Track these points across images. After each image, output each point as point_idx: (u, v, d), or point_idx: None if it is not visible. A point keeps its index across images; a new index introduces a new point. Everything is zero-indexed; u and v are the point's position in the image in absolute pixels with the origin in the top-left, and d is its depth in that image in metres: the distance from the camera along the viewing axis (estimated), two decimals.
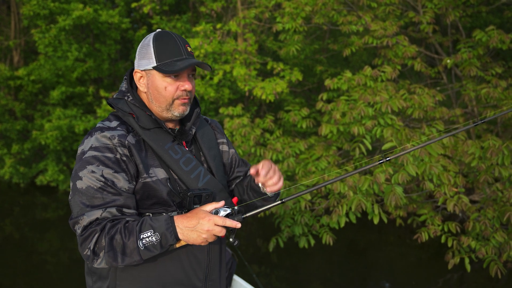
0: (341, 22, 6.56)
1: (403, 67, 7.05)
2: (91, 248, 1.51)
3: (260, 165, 1.68)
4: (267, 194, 1.76)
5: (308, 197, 5.05)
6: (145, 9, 8.25)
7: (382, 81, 5.69)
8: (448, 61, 6.20)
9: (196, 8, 10.64)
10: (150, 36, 1.72)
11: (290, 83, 7.28)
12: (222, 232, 1.52)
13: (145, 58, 1.70)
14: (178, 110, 1.72)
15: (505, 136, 6.75)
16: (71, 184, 1.62)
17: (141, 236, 1.50)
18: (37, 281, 5.77)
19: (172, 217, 1.55)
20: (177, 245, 1.59)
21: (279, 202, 1.65)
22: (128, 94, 1.76)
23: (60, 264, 6.44)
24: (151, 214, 1.64)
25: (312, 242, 4.98)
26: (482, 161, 4.58)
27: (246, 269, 4.64)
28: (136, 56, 1.76)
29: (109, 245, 1.50)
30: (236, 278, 3.36)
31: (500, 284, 5.52)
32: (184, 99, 1.72)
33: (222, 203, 1.60)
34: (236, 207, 1.61)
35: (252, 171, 1.68)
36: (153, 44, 1.68)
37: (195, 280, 1.75)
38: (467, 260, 4.36)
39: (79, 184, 1.58)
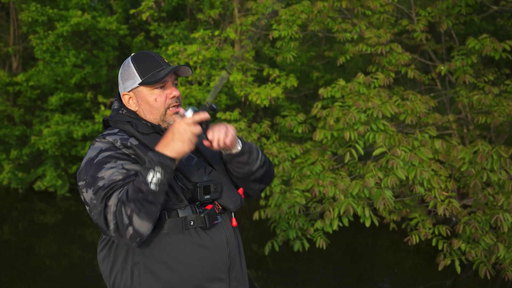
0: (336, 30, 6.71)
1: (398, 74, 7.20)
2: (127, 223, 1.52)
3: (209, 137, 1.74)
4: (231, 151, 1.82)
5: (303, 201, 5.18)
6: (144, 16, 8.39)
7: (374, 87, 5.83)
8: (442, 68, 6.34)
9: (194, 15, 10.80)
10: (128, 60, 1.85)
11: (286, 89, 7.43)
12: (197, 128, 1.60)
13: (129, 79, 1.82)
14: (172, 118, 1.82)
15: (498, 142, 6.90)
16: (90, 191, 1.61)
17: (148, 180, 1.53)
18: (36, 285, 5.85)
19: (154, 149, 1.61)
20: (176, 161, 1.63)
21: (228, 75, 1.75)
22: (122, 108, 1.86)
23: (59, 268, 6.53)
24: (166, 211, 1.68)
25: (307, 246, 5.10)
26: (472, 166, 4.72)
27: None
28: (120, 82, 1.88)
29: (135, 207, 1.52)
30: None
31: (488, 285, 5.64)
32: (175, 106, 1.82)
33: (182, 108, 1.71)
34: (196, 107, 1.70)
35: (206, 143, 1.75)
36: (133, 64, 1.81)
37: (219, 272, 1.75)
38: (457, 262, 4.49)
39: (101, 182, 1.60)
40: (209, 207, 1.76)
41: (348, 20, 6.92)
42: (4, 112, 10.57)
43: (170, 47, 7.64)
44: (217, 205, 1.80)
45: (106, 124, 1.89)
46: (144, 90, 1.80)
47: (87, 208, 1.64)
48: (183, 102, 7.52)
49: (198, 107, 1.70)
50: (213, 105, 1.72)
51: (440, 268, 4.55)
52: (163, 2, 9.20)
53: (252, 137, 6.20)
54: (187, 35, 9.74)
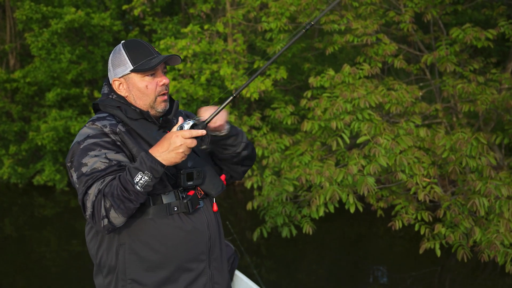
0: (324, 22, 6.83)
1: (387, 64, 7.31)
2: (103, 214, 1.61)
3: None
4: (221, 134, 1.87)
5: (291, 189, 5.33)
6: (136, 12, 8.51)
7: (360, 78, 5.96)
8: (429, 58, 6.46)
9: (187, 10, 10.92)
10: (119, 47, 1.89)
11: (276, 81, 7.55)
12: (193, 143, 1.65)
13: (120, 66, 1.86)
14: (161, 106, 1.87)
15: (485, 130, 7.02)
16: (75, 175, 1.71)
17: (135, 181, 1.60)
18: (37, 276, 5.99)
19: (148, 152, 1.66)
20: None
21: (231, 97, 1.76)
22: (112, 93, 1.90)
23: (58, 260, 6.68)
24: (150, 196, 1.75)
25: (294, 232, 5.26)
26: (452, 152, 4.86)
27: (244, 262, 4.87)
28: (110, 68, 1.91)
29: (115, 203, 1.60)
30: (238, 273, 3.41)
31: (479, 271, 5.79)
32: (164, 94, 1.87)
33: (181, 119, 1.72)
34: (198, 118, 1.75)
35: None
36: (125, 51, 1.85)
37: (199, 253, 1.84)
38: (437, 246, 4.65)
39: (84, 169, 1.68)
40: (191, 193, 1.84)
41: (336, 12, 7.03)
42: (3, 109, 10.69)
43: (161, 42, 7.76)
44: (199, 191, 1.89)
45: (96, 107, 1.95)
46: (135, 77, 1.85)
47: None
48: (175, 96, 7.67)
49: (195, 119, 1.73)
50: (205, 123, 1.75)
51: (421, 252, 4.70)
52: None
53: (243, 129, 6.34)
54: (180, 29, 9.86)
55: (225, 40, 8.89)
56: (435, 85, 7.21)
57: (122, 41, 1.92)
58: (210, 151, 2.02)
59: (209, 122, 1.73)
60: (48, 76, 10.20)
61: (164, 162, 1.64)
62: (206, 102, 8.83)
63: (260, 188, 5.95)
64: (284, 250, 6.61)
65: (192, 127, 1.69)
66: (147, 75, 1.85)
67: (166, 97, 1.90)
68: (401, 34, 7.59)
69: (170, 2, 11.10)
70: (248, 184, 5.78)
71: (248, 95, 6.82)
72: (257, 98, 6.94)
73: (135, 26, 11.76)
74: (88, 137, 1.75)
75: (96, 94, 9.52)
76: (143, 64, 1.82)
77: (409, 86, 6.01)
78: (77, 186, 1.70)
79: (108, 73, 1.95)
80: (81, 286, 5.67)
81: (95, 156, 1.69)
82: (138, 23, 11.43)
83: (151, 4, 9.59)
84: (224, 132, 1.87)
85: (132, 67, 1.84)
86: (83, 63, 10.41)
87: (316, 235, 5.95)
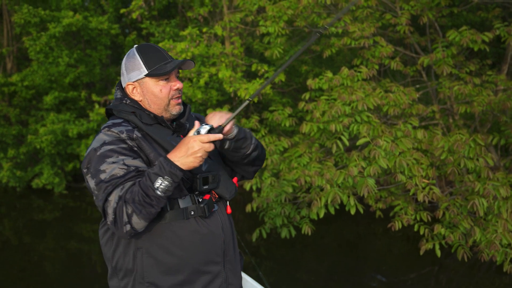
0: (321, 25, 6.86)
1: (384, 67, 7.35)
2: (126, 221, 1.62)
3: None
4: (229, 138, 1.87)
5: (290, 190, 5.35)
6: (134, 15, 8.51)
7: (358, 80, 5.98)
8: (425, 60, 6.50)
9: (184, 13, 10.93)
10: (133, 51, 1.87)
11: (274, 84, 7.57)
12: (211, 147, 1.65)
13: (134, 70, 1.85)
14: (175, 109, 1.87)
15: (482, 131, 7.07)
16: (92, 181, 1.70)
17: (156, 186, 1.60)
18: (35, 278, 5.98)
19: (167, 157, 1.66)
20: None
21: (247, 101, 1.78)
22: (126, 98, 1.89)
23: (57, 262, 6.68)
24: (167, 202, 1.76)
25: (293, 233, 5.29)
26: (451, 154, 4.90)
27: (245, 263, 4.88)
28: (123, 71, 1.90)
29: (136, 209, 1.61)
30: (243, 275, 3.38)
31: (474, 269, 5.82)
32: (178, 98, 1.88)
33: (198, 123, 1.73)
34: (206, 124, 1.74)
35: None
36: (139, 56, 1.84)
37: (215, 255, 1.85)
38: (437, 246, 4.68)
39: (103, 176, 1.68)
40: (207, 197, 1.85)
41: (333, 15, 7.07)
42: (0, 112, 10.67)
43: (160, 45, 7.77)
44: (214, 194, 1.90)
45: (109, 112, 1.95)
46: (150, 81, 1.84)
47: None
48: None
49: (214, 127, 1.74)
50: (221, 126, 1.76)
51: (421, 253, 4.73)
52: (153, 1, 9.32)
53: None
54: (178, 32, 9.87)
55: (223, 43, 8.90)
56: (432, 87, 7.24)
57: (135, 45, 1.91)
58: (221, 153, 2.03)
59: (225, 126, 1.74)
60: (46, 80, 10.19)
61: (182, 167, 1.65)
62: (204, 105, 8.85)
63: (259, 190, 5.97)
64: (283, 251, 6.63)
65: (209, 132, 1.70)
66: (161, 80, 1.84)
67: (180, 100, 1.90)
68: (398, 36, 7.64)
69: (167, 5, 11.11)
70: (247, 186, 5.80)
71: (247, 97, 6.83)
72: (256, 101, 6.97)
73: (132, 29, 11.76)
74: (105, 143, 1.74)
75: (94, 97, 9.51)
76: (158, 69, 1.82)
77: (406, 88, 6.05)
78: (96, 192, 1.70)
79: (121, 77, 1.94)
80: (79, 285, 5.67)
81: (113, 162, 1.69)
82: (135, 26, 11.45)
83: (148, 7, 9.59)
84: (232, 135, 1.87)
85: (147, 72, 1.83)
86: (81, 67, 10.41)
87: (315, 236, 5.98)
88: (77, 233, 8.11)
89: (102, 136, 1.77)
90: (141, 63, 1.84)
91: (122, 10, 8.86)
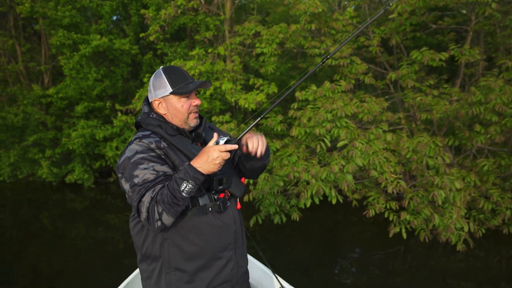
0: (307, 47, 6.88)
1: (359, 81, 7.38)
2: (157, 218, 1.63)
3: (246, 143, 1.83)
4: (254, 156, 1.89)
5: (281, 184, 5.36)
6: (151, 38, 8.50)
7: (338, 92, 6.01)
8: (392, 75, 6.54)
9: (192, 36, 10.92)
10: (160, 72, 1.87)
11: (268, 95, 7.58)
12: (228, 155, 1.68)
13: (161, 88, 1.85)
14: (193, 122, 1.89)
15: (439, 134, 7.11)
16: (127, 184, 1.70)
17: (182, 189, 1.63)
18: (68, 259, 5.97)
19: (190, 164, 1.68)
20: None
21: (260, 118, 1.83)
22: (152, 113, 1.89)
23: (86, 245, 6.65)
24: (189, 201, 1.77)
25: (284, 219, 5.30)
26: (414, 153, 4.93)
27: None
28: (151, 89, 1.89)
29: (166, 208, 1.63)
30: (248, 256, 3.50)
31: (433, 249, 5.84)
32: (196, 112, 1.89)
33: (216, 135, 1.75)
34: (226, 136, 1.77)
35: (244, 149, 1.85)
36: (165, 76, 1.84)
37: (228, 243, 1.88)
38: (403, 230, 4.70)
39: (136, 180, 1.69)
40: (222, 195, 1.87)
41: (317, 38, 7.09)
42: (39, 120, 10.64)
43: (172, 63, 7.76)
44: (227, 193, 1.92)
45: (138, 125, 1.94)
46: (173, 98, 1.84)
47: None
48: None
49: (230, 138, 1.77)
50: (237, 139, 1.81)
51: (390, 235, 4.75)
52: (167, 26, 9.31)
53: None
54: (187, 52, 9.86)
55: (225, 61, 8.90)
56: (398, 97, 7.28)
57: (162, 67, 1.91)
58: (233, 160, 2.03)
59: (240, 138, 1.78)
60: (77, 92, 10.17)
61: (203, 172, 1.67)
62: (209, 113, 8.85)
63: (254, 184, 5.97)
64: (275, 235, 6.63)
65: (226, 143, 1.72)
66: (183, 97, 1.85)
67: (197, 114, 1.91)
68: (370, 55, 7.68)
69: (178, 29, 11.08)
70: (245, 181, 5.80)
71: (246, 105, 6.84)
72: (254, 108, 6.97)
73: (148, 50, 11.72)
74: (137, 152, 1.75)
75: (117, 106, 9.49)
76: (181, 88, 1.83)
77: (377, 99, 6.08)
78: (130, 194, 1.70)
79: (149, 94, 1.93)
80: (105, 266, 5.65)
81: (145, 168, 1.70)
82: (151, 47, 11.41)
83: (163, 31, 9.58)
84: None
85: (172, 90, 1.84)
86: (106, 81, 10.39)
87: (302, 222, 6.00)
88: (103, 221, 8.07)
89: (135, 146, 1.77)
90: (167, 82, 1.84)
91: (142, 34, 8.84)
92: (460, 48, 6.21)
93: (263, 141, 1.85)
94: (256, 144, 1.83)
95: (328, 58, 1.85)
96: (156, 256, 1.82)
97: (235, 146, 1.71)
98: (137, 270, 3.22)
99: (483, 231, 5.25)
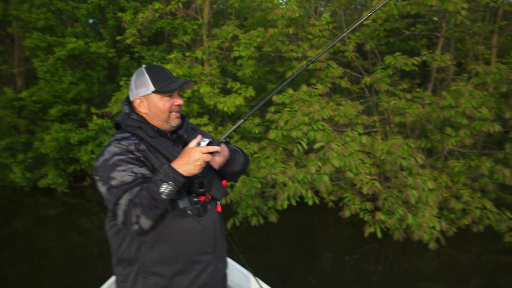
0: (284, 51, 6.96)
1: (335, 85, 7.49)
2: (134, 221, 1.57)
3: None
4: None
5: (259, 185, 5.38)
6: (128, 41, 8.42)
7: (314, 96, 6.09)
8: (367, 79, 6.67)
9: (170, 39, 10.87)
10: (142, 70, 1.82)
11: (246, 98, 7.61)
12: (209, 157, 1.64)
13: (142, 87, 1.80)
14: (175, 121, 1.82)
15: (412, 136, 7.28)
16: (104, 187, 1.65)
17: (161, 191, 1.58)
18: (41, 267, 5.82)
19: (171, 165, 1.63)
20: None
21: (242, 120, 1.79)
22: (133, 113, 1.83)
23: (59, 251, 6.51)
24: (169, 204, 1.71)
25: (261, 221, 5.31)
26: (388, 155, 5.03)
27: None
28: (132, 87, 1.84)
29: (144, 210, 1.58)
30: (227, 259, 3.46)
31: (407, 247, 5.97)
32: (178, 112, 1.83)
33: (199, 137, 1.70)
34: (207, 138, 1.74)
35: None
36: (148, 74, 1.79)
37: (207, 247, 1.82)
38: (378, 230, 4.79)
39: (113, 182, 1.63)
40: (202, 198, 1.82)
41: (294, 43, 7.18)
42: (11, 123, 10.35)
43: None
44: (207, 195, 1.86)
45: (118, 126, 1.88)
46: (155, 97, 1.79)
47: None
48: None
49: (213, 140, 1.73)
50: (227, 140, 1.80)
51: (366, 235, 4.82)
52: (144, 30, 9.24)
53: (218, 137, 6.37)
54: (165, 56, 9.80)
55: (202, 64, 8.90)
56: (373, 101, 7.42)
57: (144, 65, 1.87)
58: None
59: (222, 141, 1.75)
60: (51, 95, 9.96)
61: (184, 173, 1.63)
62: (186, 116, 8.79)
63: (232, 186, 5.97)
64: (253, 237, 6.64)
65: (208, 144, 1.69)
66: (166, 96, 1.81)
67: (179, 114, 1.86)
68: (346, 60, 7.81)
69: (155, 33, 11.01)
70: (226, 183, 5.79)
71: (225, 109, 6.85)
72: (233, 112, 6.98)
73: (125, 53, 11.60)
74: (115, 154, 1.69)
75: (93, 110, 9.33)
76: (164, 87, 1.79)
77: (352, 102, 6.18)
78: (107, 197, 1.65)
79: (130, 92, 1.87)
80: (79, 272, 5.54)
81: (123, 170, 1.65)
82: (128, 50, 11.29)
83: (140, 35, 9.51)
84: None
85: (154, 89, 1.79)
86: (82, 84, 10.22)
87: (279, 224, 6.02)
88: (76, 226, 7.91)
89: (113, 148, 1.72)
90: (149, 81, 1.80)
91: (118, 37, 8.75)
92: (432, 54, 6.39)
93: (221, 154, 1.81)
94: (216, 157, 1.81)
95: (314, 60, 1.87)
96: (132, 260, 1.77)
97: (218, 148, 1.69)
98: (114, 277, 3.15)
99: (454, 229, 5.39)
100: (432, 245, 4.79)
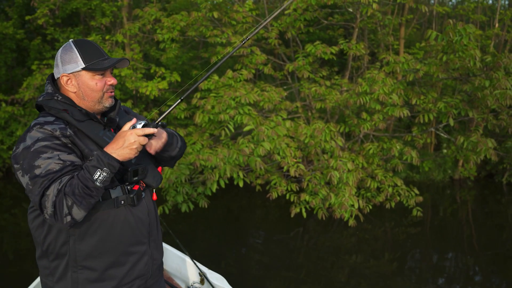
0: (208, 35, 6.84)
1: (259, 71, 7.55)
2: (66, 212, 1.45)
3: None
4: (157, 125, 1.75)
5: (187, 172, 5.29)
6: (40, 21, 7.71)
7: (240, 81, 6.09)
8: (290, 67, 6.81)
9: (87, 22, 10.16)
10: (69, 45, 1.65)
11: (170, 83, 7.39)
12: (145, 140, 1.53)
13: (71, 63, 1.62)
14: (108, 101, 1.67)
15: (332, 121, 7.63)
16: (26, 176, 1.49)
17: (95, 178, 1.46)
18: None
19: (104, 150, 1.51)
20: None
21: (179, 100, 1.69)
22: (57, 94, 1.64)
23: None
24: None
25: (192, 207, 5.24)
26: (312, 138, 5.22)
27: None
28: (58, 63, 1.66)
29: (77, 200, 1.45)
30: (164, 245, 3.30)
31: (329, 225, 6.29)
32: (111, 92, 1.68)
33: (134, 119, 1.59)
34: (147, 119, 1.64)
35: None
36: (77, 49, 1.62)
37: (141, 237, 1.72)
38: (303, 210, 4.97)
39: (37, 171, 1.47)
40: (136, 187, 1.70)
41: (218, 28, 7.08)
42: None
43: None
44: (142, 183, 1.74)
45: (40, 108, 1.68)
46: (86, 74, 1.62)
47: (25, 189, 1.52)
48: None
49: (146, 120, 1.61)
50: (163, 123, 1.67)
51: (292, 215, 4.98)
52: (57, 10, 8.52)
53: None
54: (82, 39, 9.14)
55: (124, 49, 8.45)
56: (295, 87, 7.62)
57: (71, 39, 1.68)
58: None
59: (159, 123, 1.63)
60: None
61: (119, 158, 1.51)
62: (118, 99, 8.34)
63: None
64: (184, 224, 6.55)
65: (143, 127, 1.57)
66: (97, 74, 1.64)
67: (113, 94, 1.71)
68: (269, 47, 7.90)
69: (70, 14, 10.20)
70: (161, 170, 5.61)
71: (148, 93, 6.58)
72: (157, 96, 6.72)
73: (36, 35, 10.61)
74: (38, 140, 1.51)
75: (1, 96, 8.45)
76: (96, 64, 1.62)
77: (276, 88, 6.29)
78: (30, 187, 1.48)
79: (55, 69, 1.68)
80: None
81: (48, 158, 1.49)
82: (39, 32, 10.34)
83: (53, 15, 8.74)
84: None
85: (84, 65, 1.62)
86: None
87: (209, 209, 6.00)
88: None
89: (35, 133, 1.53)
90: (79, 56, 1.62)
91: (28, 17, 7.97)
92: (348, 43, 6.69)
93: (158, 138, 1.71)
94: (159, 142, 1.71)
95: (248, 39, 1.81)
96: (60, 253, 1.63)
97: (154, 130, 1.58)
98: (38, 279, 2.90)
99: (370, 207, 5.78)
100: (351, 222, 5.09)
